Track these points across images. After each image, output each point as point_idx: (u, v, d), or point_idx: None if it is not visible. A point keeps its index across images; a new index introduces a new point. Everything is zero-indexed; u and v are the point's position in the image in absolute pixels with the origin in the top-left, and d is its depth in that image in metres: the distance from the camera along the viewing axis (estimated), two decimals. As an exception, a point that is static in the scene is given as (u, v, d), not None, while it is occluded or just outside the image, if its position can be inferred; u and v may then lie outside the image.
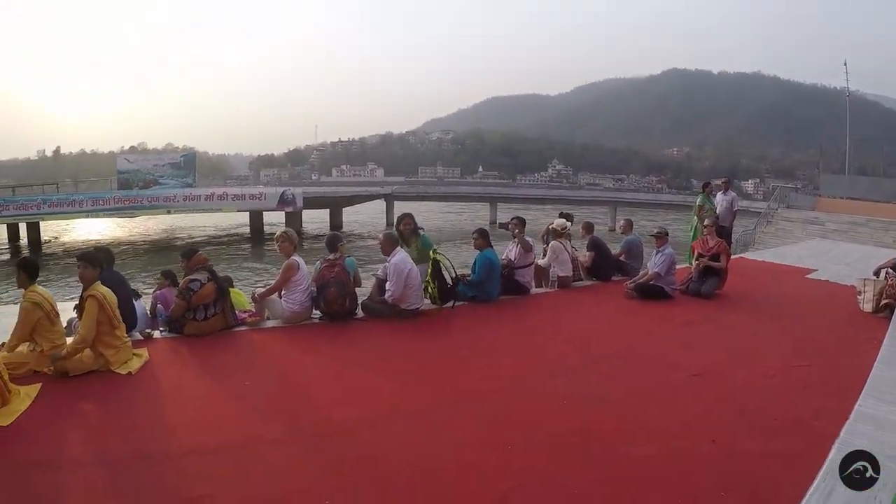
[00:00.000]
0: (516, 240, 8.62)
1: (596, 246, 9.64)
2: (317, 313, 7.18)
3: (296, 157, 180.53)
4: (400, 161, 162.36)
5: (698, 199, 12.96)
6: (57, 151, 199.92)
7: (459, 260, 8.43)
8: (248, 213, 35.74)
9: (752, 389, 5.10)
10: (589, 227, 10.00)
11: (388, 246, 7.30)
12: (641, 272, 9.10)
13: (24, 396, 4.86)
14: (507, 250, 8.85)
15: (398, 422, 4.43)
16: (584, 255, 9.60)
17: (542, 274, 9.24)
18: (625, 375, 5.45)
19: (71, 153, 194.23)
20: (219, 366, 5.81)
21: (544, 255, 9.26)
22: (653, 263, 8.54)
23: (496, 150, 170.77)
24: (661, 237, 8.57)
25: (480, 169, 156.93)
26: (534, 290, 8.90)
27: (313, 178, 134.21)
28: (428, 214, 46.21)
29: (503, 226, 9.12)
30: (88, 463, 3.90)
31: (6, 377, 4.78)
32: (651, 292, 8.33)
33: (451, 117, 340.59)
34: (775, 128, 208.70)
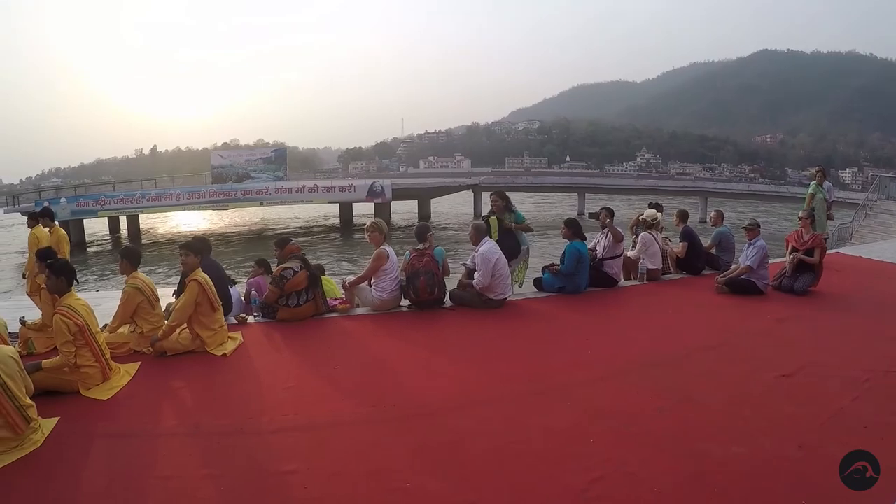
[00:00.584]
0: (605, 231, 8.38)
1: (689, 236, 9.22)
2: (405, 302, 7.23)
3: (383, 150, 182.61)
4: (486, 152, 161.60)
5: (810, 187, 12.18)
6: (154, 149, 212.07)
7: (548, 251, 8.22)
8: (337, 205, 36.32)
9: (844, 393, 4.73)
10: (683, 216, 9.62)
11: (477, 235, 7.29)
12: (732, 266, 8.72)
13: (124, 374, 5.25)
14: (595, 241, 8.63)
15: (484, 408, 4.42)
16: (678, 246, 9.24)
17: (631, 266, 8.95)
18: (713, 372, 5.22)
19: (167, 151, 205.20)
20: (310, 350, 5.95)
21: (633, 247, 9.02)
22: (745, 257, 8.13)
23: (583, 140, 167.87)
24: (753, 229, 8.14)
25: (568, 159, 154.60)
26: (622, 282, 8.61)
27: (401, 169, 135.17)
28: (518, 206, 46.00)
29: (593, 216, 8.80)
30: (182, 435, 4.16)
31: (107, 355, 5.15)
32: (742, 287, 7.93)
33: (536, 107, 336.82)
34: (874, 112, 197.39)
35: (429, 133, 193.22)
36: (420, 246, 7.24)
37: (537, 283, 8.11)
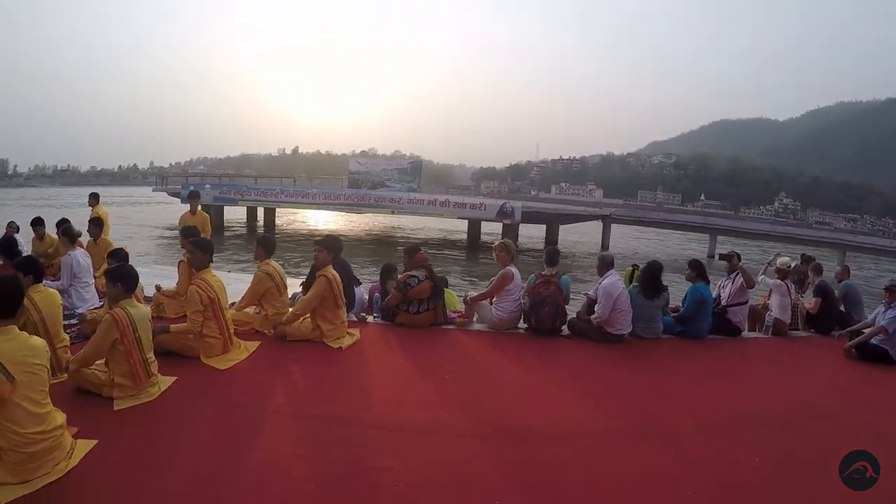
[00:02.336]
0: (733, 275, 7.89)
1: (824, 291, 8.45)
2: (523, 324, 7.13)
3: (516, 172, 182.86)
4: (619, 183, 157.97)
5: None
6: (295, 150, 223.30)
7: (670, 292, 7.70)
8: (466, 222, 36.47)
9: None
10: (818, 269, 8.80)
11: (603, 267, 7.07)
12: (861, 322, 7.83)
13: (244, 349, 5.64)
14: (720, 286, 8.13)
15: (584, 441, 4.26)
16: (810, 302, 8.52)
17: (756, 316, 8.36)
18: (825, 442, 4.67)
19: (308, 152, 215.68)
20: (422, 357, 6.01)
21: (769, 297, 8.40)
22: (880, 318, 7.16)
23: (720, 178, 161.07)
24: (894, 291, 7.16)
25: (702, 197, 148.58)
26: (746, 332, 8.01)
27: (532, 193, 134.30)
28: (644, 241, 45.03)
29: (724, 257, 8.19)
30: (287, 414, 4.39)
31: (231, 330, 5.58)
32: (873, 354, 7.05)
33: (673, 140, 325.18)
34: None
35: (563, 159, 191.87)
36: (547, 271, 7.10)
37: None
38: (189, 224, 8.47)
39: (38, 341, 3.43)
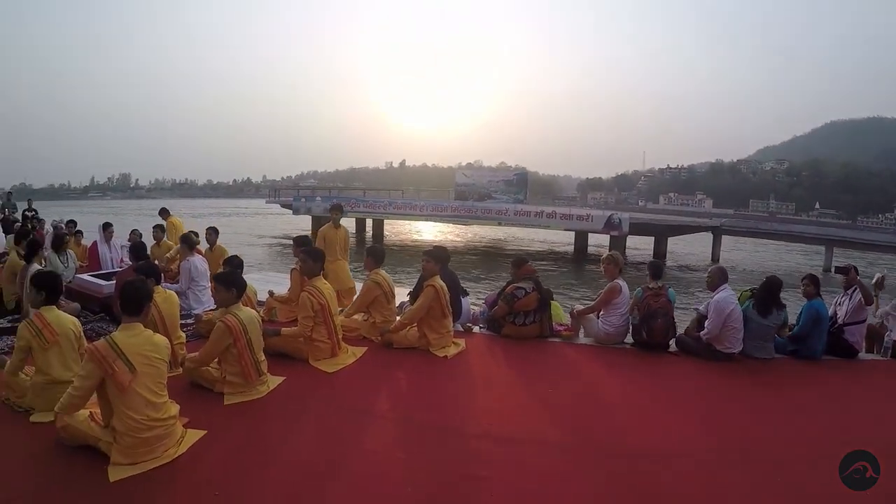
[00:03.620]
0: (850, 290, 7.22)
1: None
2: (629, 339, 6.94)
3: (623, 182, 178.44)
4: (729, 192, 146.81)
5: None
6: (403, 163, 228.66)
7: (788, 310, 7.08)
8: (573, 233, 36.05)
9: None
10: None
11: (715, 281, 6.75)
12: None
13: (351, 354, 5.89)
14: (836, 303, 7.46)
15: (690, 463, 4.05)
16: None
17: (874, 335, 7.57)
18: None
19: (414, 165, 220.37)
20: (526, 368, 5.95)
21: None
22: None
23: (835, 185, 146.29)
24: None
25: (817, 206, 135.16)
26: (863, 353, 7.26)
27: (639, 203, 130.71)
28: (756, 254, 42.91)
29: (840, 270, 7.49)
30: (391, 418, 4.52)
31: (340, 336, 5.83)
32: None
33: (786, 144, 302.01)
34: None
35: (670, 168, 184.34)
36: (653, 284, 6.89)
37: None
38: (333, 238, 8.67)
39: (160, 339, 3.79)
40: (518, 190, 44.47)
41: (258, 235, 41.58)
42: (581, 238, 35.69)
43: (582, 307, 7.23)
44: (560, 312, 7.72)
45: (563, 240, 39.00)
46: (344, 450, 3.89)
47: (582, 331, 7.16)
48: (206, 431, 3.99)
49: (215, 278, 4.96)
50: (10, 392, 4.42)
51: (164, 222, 11.98)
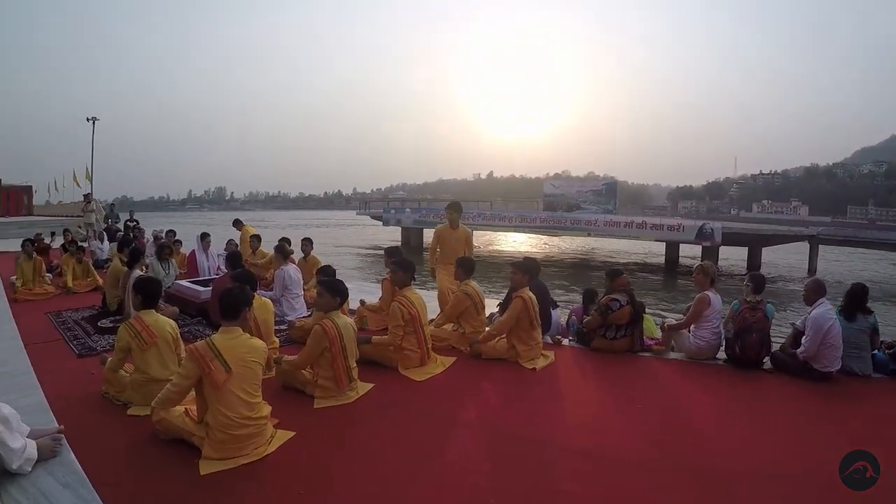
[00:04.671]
0: None
1: None
2: (722, 355, 6.67)
3: (714, 190, 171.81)
4: (827, 197, 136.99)
5: None
6: (490, 174, 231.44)
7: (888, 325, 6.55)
8: (664, 244, 35.29)
9: None
10: None
11: (812, 295, 6.33)
12: None
13: (440, 364, 5.97)
14: None
15: (786, 490, 3.77)
16: None
17: None
18: None
19: (502, 176, 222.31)
20: (616, 383, 5.85)
21: None
22: None
23: None
24: None
25: None
26: None
27: (732, 212, 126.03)
28: (856, 264, 39.85)
29: None
30: (476, 428, 4.55)
31: (429, 345, 5.94)
32: None
33: (885, 144, 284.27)
34: None
35: (763, 174, 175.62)
36: (752, 298, 6.60)
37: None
38: (448, 239, 8.25)
39: (258, 342, 4.01)
40: (607, 200, 44.15)
41: (348, 245, 42.47)
42: (672, 249, 34.76)
43: (674, 321, 7.07)
44: (651, 326, 7.56)
45: (653, 251, 38.17)
46: (428, 458, 3.93)
47: (673, 345, 6.95)
48: (295, 433, 4.15)
49: (321, 284, 5.17)
50: (109, 387, 4.81)
51: (240, 232, 12.94)
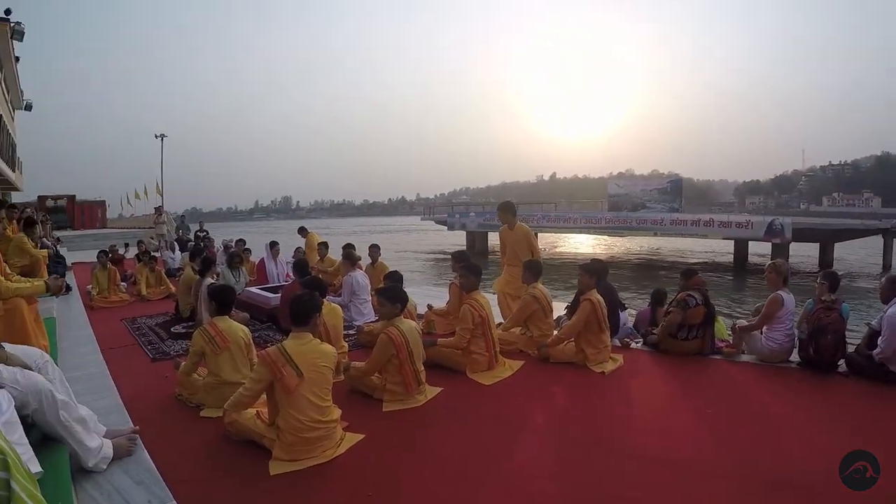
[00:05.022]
0: None
1: None
2: (795, 357, 6.45)
3: (782, 184, 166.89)
4: None
5: None
6: (553, 176, 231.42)
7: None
8: (732, 242, 34.43)
9: None
10: None
11: (888, 292, 6.00)
12: None
13: (508, 367, 5.98)
14: None
15: (853, 498, 3.53)
16: None
17: None
18: None
19: (565, 178, 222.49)
20: (686, 386, 5.73)
21: None
22: None
23: None
24: None
25: None
26: None
27: (801, 206, 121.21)
28: None
29: None
30: (544, 432, 4.53)
31: (497, 349, 5.95)
32: None
33: None
34: None
35: (832, 165, 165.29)
36: (827, 297, 6.35)
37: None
38: (508, 239, 8.10)
39: (328, 348, 4.12)
40: (673, 198, 43.41)
41: (410, 251, 42.84)
42: (741, 247, 33.78)
43: (745, 323, 6.84)
44: (721, 328, 7.39)
45: (722, 249, 37.23)
46: (497, 461, 3.93)
47: (744, 347, 6.76)
48: (363, 436, 4.22)
49: (379, 293, 5.23)
50: (182, 389, 5.03)
51: (305, 240, 13.61)
